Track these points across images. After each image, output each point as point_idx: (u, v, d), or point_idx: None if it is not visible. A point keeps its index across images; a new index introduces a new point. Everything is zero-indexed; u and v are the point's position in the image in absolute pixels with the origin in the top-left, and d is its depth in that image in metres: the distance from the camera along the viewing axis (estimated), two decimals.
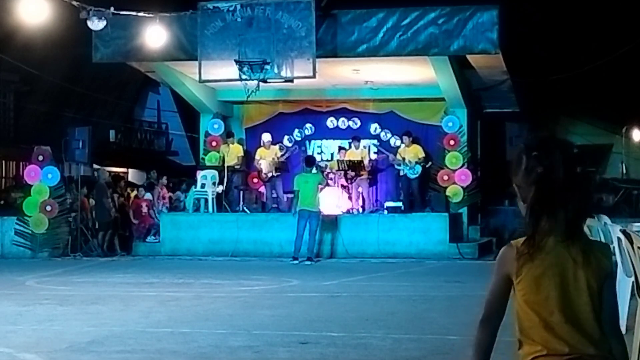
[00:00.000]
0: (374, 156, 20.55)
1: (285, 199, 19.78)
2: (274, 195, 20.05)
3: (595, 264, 2.69)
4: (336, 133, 21.43)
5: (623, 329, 7.79)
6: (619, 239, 7.63)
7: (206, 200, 19.18)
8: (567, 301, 2.67)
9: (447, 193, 19.34)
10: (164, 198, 21.57)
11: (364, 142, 20.45)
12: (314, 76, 17.19)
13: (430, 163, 19.73)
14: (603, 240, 10.97)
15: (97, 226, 19.35)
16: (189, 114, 27.57)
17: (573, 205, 2.67)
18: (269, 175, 19.81)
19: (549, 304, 2.68)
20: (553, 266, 2.68)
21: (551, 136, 2.81)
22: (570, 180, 2.66)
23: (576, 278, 2.68)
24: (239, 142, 20.89)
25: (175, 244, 18.65)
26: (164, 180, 22.25)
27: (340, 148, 20.32)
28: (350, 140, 20.31)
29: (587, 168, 2.75)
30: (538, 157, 2.67)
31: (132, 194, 21.15)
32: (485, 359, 2.89)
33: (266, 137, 20.24)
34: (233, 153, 20.14)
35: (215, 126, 20.79)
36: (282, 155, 20.13)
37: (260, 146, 20.27)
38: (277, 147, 20.40)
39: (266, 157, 19.87)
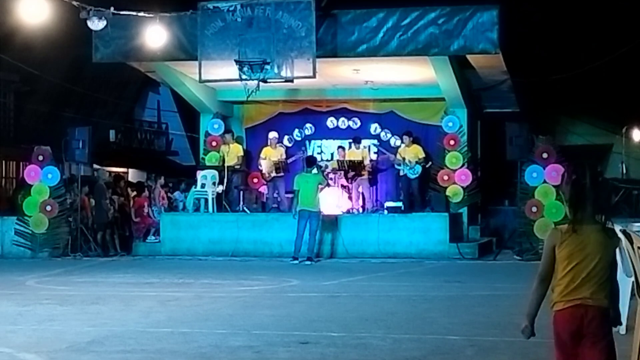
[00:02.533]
0: (374, 156, 20.54)
1: (286, 199, 19.77)
2: (275, 195, 20.01)
3: (609, 243, 4.15)
4: (336, 133, 21.42)
5: (623, 328, 7.82)
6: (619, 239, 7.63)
7: (206, 200, 19.17)
8: (587, 267, 4.07)
9: (447, 193, 19.34)
10: (163, 198, 21.57)
11: (364, 143, 20.45)
12: (314, 76, 17.18)
13: (430, 163, 19.72)
14: None
15: (95, 227, 19.34)
16: (189, 114, 27.54)
17: (596, 203, 4.10)
18: (272, 175, 19.79)
19: (575, 268, 4.07)
20: (582, 243, 4.08)
21: (584, 160, 4.33)
22: (593, 185, 4.10)
23: (596, 252, 4.08)
24: (238, 141, 20.88)
25: (175, 244, 18.64)
26: (162, 180, 22.26)
27: (340, 148, 20.29)
28: (351, 141, 20.30)
29: (606, 180, 4.22)
30: (573, 170, 4.16)
31: (132, 194, 21.14)
32: (537, 310, 4.22)
33: (273, 135, 20.24)
34: (233, 153, 20.13)
35: (215, 126, 20.79)
36: (286, 158, 20.04)
37: (266, 144, 20.25)
38: (282, 148, 20.36)
39: (271, 157, 19.82)
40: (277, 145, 20.32)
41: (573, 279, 4.05)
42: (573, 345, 4.07)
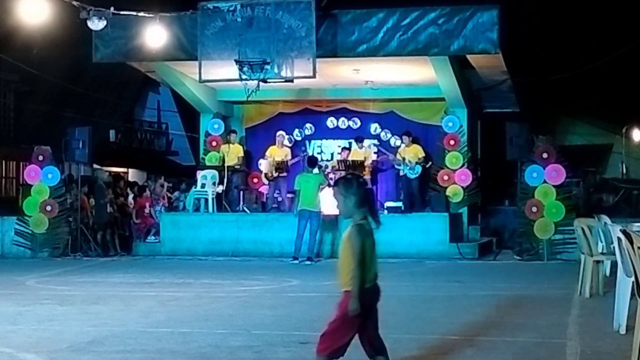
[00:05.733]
0: (374, 156, 20.52)
1: (287, 200, 19.73)
2: (276, 195, 19.97)
3: None
4: (336, 133, 21.43)
5: (623, 328, 7.81)
6: (619, 239, 7.61)
7: (206, 200, 19.17)
8: (375, 255, 5.37)
9: (447, 193, 19.33)
10: (163, 198, 21.57)
11: (366, 142, 20.42)
12: (314, 76, 17.17)
13: (430, 163, 19.72)
14: (603, 240, 11.05)
15: (95, 227, 19.34)
16: (189, 114, 27.55)
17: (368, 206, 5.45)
18: (273, 174, 19.73)
19: (371, 256, 5.32)
20: (370, 236, 5.36)
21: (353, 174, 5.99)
22: (365, 194, 5.50)
23: (374, 243, 5.39)
24: (240, 142, 20.87)
25: (175, 244, 18.64)
26: (162, 180, 22.25)
27: (344, 149, 20.22)
28: (354, 140, 20.26)
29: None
30: (360, 182, 5.61)
31: (130, 195, 21.13)
32: (362, 287, 5.29)
33: (280, 134, 20.21)
34: (233, 153, 20.13)
35: (215, 126, 20.79)
36: (291, 159, 19.99)
37: (272, 143, 20.19)
38: (288, 149, 20.31)
39: (276, 156, 19.74)
40: (284, 145, 20.26)
41: (371, 265, 5.29)
42: (371, 310, 5.42)
